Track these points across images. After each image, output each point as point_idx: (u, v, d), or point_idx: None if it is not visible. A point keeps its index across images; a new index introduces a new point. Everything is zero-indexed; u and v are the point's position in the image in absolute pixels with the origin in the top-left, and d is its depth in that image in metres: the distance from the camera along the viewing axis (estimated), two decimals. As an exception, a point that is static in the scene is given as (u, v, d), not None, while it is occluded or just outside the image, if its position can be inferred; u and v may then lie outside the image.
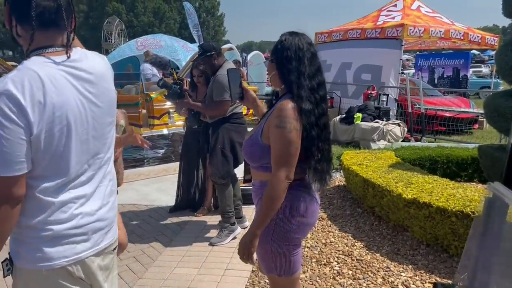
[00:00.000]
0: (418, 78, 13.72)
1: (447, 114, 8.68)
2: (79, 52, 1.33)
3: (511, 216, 1.21)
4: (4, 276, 1.35)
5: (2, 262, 1.34)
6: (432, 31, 8.78)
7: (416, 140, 7.58)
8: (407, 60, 26.77)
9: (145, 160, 7.18)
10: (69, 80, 1.26)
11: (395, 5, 10.02)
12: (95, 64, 1.36)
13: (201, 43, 4.28)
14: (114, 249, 1.51)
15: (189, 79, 3.97)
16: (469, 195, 3.31)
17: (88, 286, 1.40)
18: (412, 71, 19.16)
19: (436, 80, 14.51)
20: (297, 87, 1.72)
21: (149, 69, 8.27)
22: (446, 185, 3.62)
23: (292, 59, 1.74)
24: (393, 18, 9.45)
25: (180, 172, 4.55)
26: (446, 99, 10.04)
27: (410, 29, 8.62)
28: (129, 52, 11.09)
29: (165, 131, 6.88)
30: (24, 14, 1.23)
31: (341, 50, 10.29)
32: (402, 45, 8.81)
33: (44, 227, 1.26)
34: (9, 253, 1.33)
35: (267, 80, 19.50)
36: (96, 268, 1.40)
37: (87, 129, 1.32)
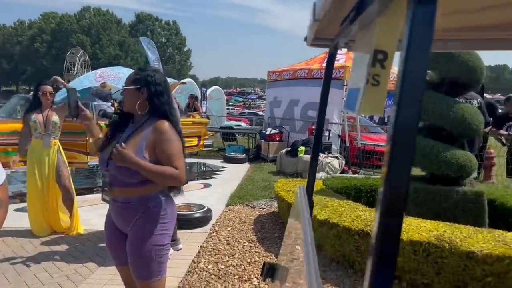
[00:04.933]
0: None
1: (384, 149, 9.31)
2: None
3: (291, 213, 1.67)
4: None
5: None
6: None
7: (354, 173, 8.11)
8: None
9: (94, 189, 7.31)
10: None
11: (341, 49, 10.86)
12: None
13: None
14: None
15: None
16: (373, 217, 3.75)
17: None
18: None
19: (386, 119, 15.45)
20: (170, 114, 2.12)
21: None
22: (356, 208, 4.06)
23: (164, 93, 2.13)
24: (338, 60, 10.23)
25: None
26: (385, 135, 10.77)
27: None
28: (87, 83, 11.18)
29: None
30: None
31: (290, 88, 10.96)
32: (344, 85, 9.53)
33: None
34: None
35: (227, 114, 20.01)
36: None
37: None
